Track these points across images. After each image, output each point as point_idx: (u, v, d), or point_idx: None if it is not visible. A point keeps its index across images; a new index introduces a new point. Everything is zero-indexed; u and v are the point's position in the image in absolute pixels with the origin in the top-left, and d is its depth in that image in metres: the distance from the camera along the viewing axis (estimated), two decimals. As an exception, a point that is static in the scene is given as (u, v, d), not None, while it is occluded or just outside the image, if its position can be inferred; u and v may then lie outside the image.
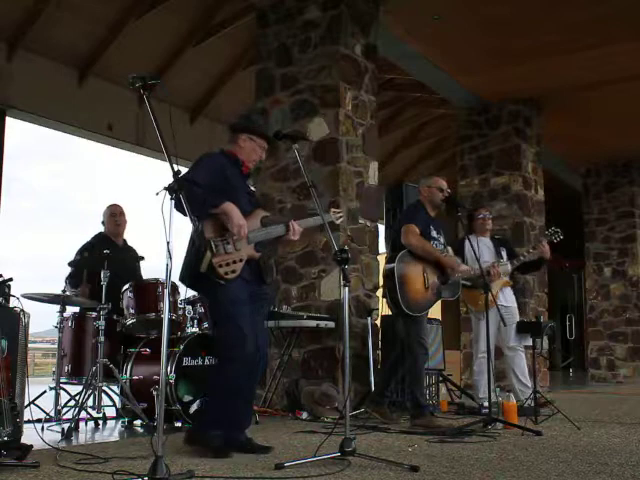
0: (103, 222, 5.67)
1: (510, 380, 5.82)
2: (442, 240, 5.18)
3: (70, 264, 5.33)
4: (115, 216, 5.62)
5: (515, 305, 5.98)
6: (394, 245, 5.13)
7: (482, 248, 5.88)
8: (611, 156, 12.09)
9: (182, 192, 3.09)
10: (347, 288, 3.45)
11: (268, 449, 3.63)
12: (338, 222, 4.15)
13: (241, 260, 3.58)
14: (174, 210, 2.93)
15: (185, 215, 3.12)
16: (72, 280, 5.31)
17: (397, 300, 4.88)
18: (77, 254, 5.41)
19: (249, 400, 3.82)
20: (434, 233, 5.10)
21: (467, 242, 5.79)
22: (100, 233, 5.64)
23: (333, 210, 4.12)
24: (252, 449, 3.59)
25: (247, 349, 3.54)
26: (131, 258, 5.56)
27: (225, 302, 3.58)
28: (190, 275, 3.58)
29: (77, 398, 4.78)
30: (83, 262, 5.23)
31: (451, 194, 5.26)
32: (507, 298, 5.88)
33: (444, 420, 5.18)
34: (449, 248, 5.28)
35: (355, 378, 5.82)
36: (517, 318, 5.90)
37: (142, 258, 5.59)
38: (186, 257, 3.62)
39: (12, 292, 3.43)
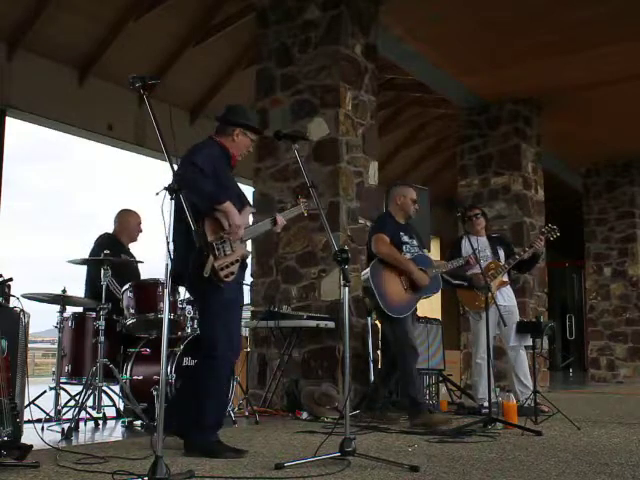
0: (116, 224, 5.57)
1: (511, 380, 5.83)
2: (416, 243, 5.28)
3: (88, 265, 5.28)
4: (140, 224, 5.64)
5: (515, 304, 5.97)
6: (369, 255, 5.28)
7: (479, 247, 5.90)
8: (611, 156, 12.08)
9: (189, 182, 3.20)
10: (347, 288, 3.46)
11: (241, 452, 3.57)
12: (305, 212, 4.18)
13: (237, 261, 3.59)
14: (175, 209, 2.92)
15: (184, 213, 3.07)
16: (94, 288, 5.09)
17: (378, 305, 5.00)
18: (92, 255, 5.27)
19: (227, 399, 3.89)
20: (405, 238, 5.21)
21: (464, 241, 5.83)
22: (108, 234, 5.52)
23: (302, 200, 4.16)
24: (239, 448, 3.57)
25: (234, 350, 3.65)
26: (135, 262, 5.54)
27: (216, 304, 3.57)
28: (189, 276, 3.52)
29: (77, 398, 4.77)
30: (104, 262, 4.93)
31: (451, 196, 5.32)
32: (505, 297, 5.88)
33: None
34: (425, 250, 5.45)
35: (355, 378, 5.82)
36: (517, 317, 5.90)
37: (141, 262, 5.58)
38: (180, 256, 3.40)
39: (12, 292, 3.44)
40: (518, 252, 5.92)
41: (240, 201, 3.73)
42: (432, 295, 5.35)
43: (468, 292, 5.73)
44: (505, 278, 5.89)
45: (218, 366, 3.58)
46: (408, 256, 5.13)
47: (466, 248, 5.83)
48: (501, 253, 5.96)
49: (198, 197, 3.42)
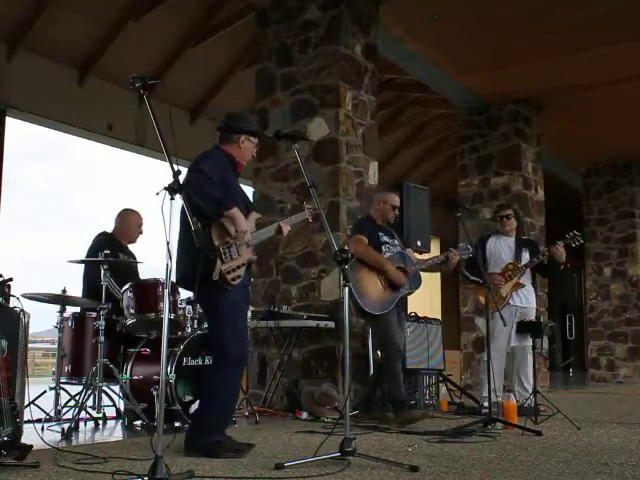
0: (116, 223, 5.53)
1: (511, 380, 5.83)
2: (397, 242, 5.35)
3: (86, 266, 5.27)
4: (141, 226, 5.63)
5: (533, 306, 5.96)
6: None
7: (503, 247, 6.00)
8: (611, 156, 12.08)
9: (197, 189, 3.30)
10: (347, 288, 3.46)
11: (251, 445, 3.65)
12: (310, 219, 4.23)
13: (244, 265, 3.64)
14: (180, 210, 2.93)
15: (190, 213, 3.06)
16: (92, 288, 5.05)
17: (358, 305, 5.05)
18: (90, 255, 5.19)
19: (236, 400, 3.94)
20: (385, 238, 5.29)
21: (489, 241, 6.01)
22: (106, 233, 5.48)
23: (307, 207, 4.22)
24: (240, 448, 3.57)
25: (243, 351, 3.67)
26: (134, 263, 5.53)
27: (224, 305, 3.60)
28: (195, 279, 3.51)
29: (77, 398, 4.77)
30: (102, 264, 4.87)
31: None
32: (522, 299, 5.88)
33: (444, 420, 5.19)
34: (409, 250, 5.48)
35: (355, 378, 5.82)
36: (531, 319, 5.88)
37: (141, 262, 5.57)
38: (188, 259, 3.52)
39: (12, 292, 3.44)
40: (537, 255, 5.91)
41: (246, 207, 3.79)
42: (413, 292, 5.39)
43: (482, 289, 5.76)
44: (522, 280, 5.88)
45: (227, 366, 3.60)
46: (388, 255, 5.21)
47: (491, 248, 5.94)
48: (525, 255, 5.95)
49: (206, 203, 3.47)
